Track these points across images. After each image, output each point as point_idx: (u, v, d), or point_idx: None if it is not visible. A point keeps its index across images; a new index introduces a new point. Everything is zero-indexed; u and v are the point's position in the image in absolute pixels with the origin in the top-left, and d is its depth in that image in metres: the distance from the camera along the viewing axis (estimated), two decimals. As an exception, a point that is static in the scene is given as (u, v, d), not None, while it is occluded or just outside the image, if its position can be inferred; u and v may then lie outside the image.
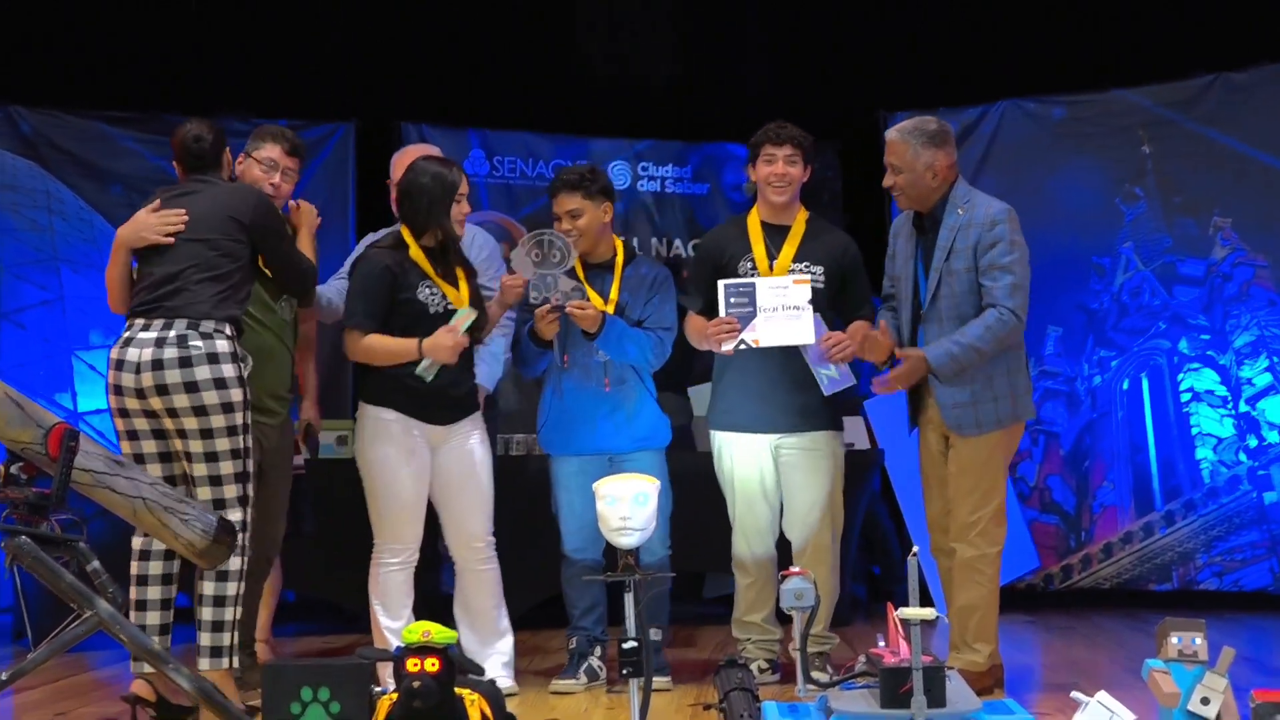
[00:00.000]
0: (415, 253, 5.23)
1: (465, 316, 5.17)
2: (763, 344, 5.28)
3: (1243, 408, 7.64)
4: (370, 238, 5.81)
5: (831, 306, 5.42)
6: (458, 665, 3.63)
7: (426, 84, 8.48)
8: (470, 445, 5.32)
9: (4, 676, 4.01)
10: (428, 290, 5.20)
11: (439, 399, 5.21)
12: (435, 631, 3.58)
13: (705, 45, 8.65)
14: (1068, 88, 8.09)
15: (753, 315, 5.26)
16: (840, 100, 8.47)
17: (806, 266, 5.43)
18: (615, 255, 5.54)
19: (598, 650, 5.50)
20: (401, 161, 5.88)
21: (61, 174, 7.96)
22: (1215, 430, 7.69)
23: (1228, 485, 7.64)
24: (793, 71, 8.57)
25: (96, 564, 4.07)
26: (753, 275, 5.42)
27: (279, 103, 8.33)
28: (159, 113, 8.09)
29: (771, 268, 5.43)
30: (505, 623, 5.41)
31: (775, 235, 5.50)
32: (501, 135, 8.72)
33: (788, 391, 5.41)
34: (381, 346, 5.16)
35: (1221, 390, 7.69)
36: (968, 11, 8.11)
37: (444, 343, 5.10)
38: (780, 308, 5.25)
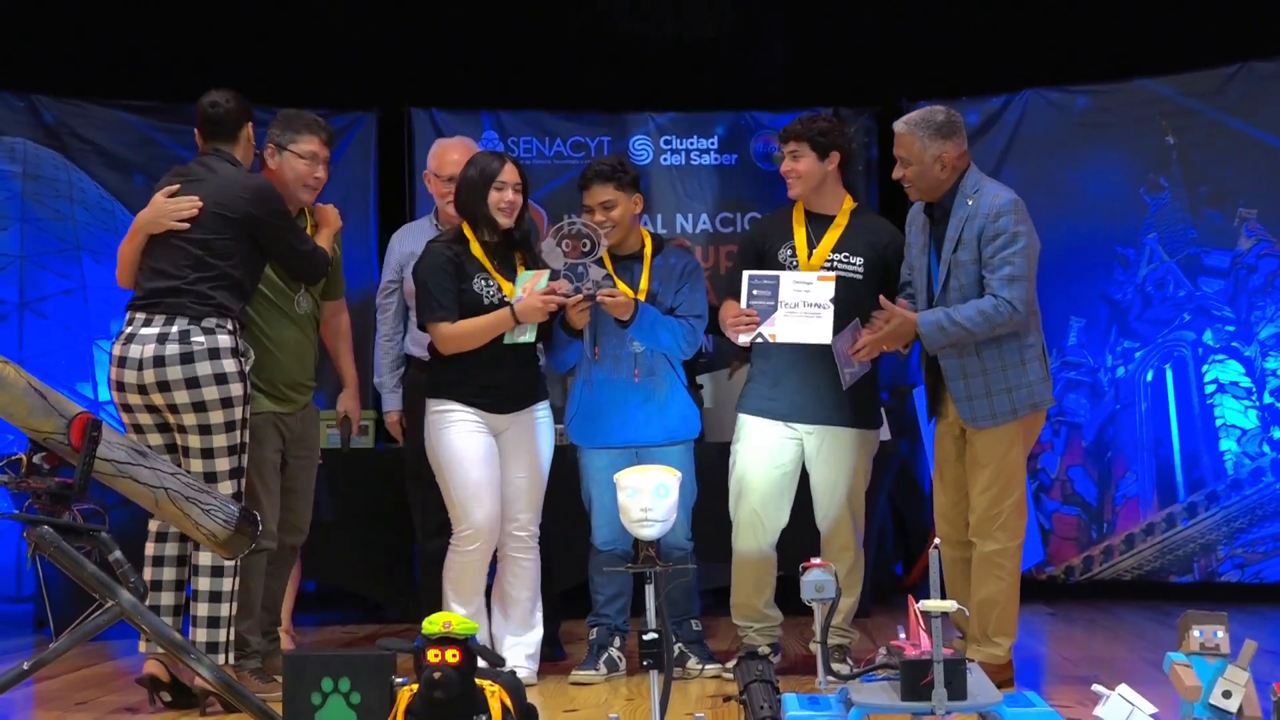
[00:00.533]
0: (474, 246, 5.31)
1: (535, 276, 5.22)
2: (779, 339, 5.26)
3: (1267, 399, 7.61)
4: (405, 230, 6.06)
5: (873, 296, 5.30)
6: (478, 656, 3.63)
7: (436, 68, 8.44)
8: (529, 435, 5.38)
9: (25, 666, 4.04)
10: (483, 282, 5.27)
11: (501, 388, 5.30)
12: (456, 623, 3.59)
13: (730, 11, 8.57)
14: (1091, 77, 8.05)
15: (774, 309, 5.24)
16: (861, 90, 8.45)
17: (846, 257, 5.40)
18: (644, 246, 5.55)
19: (617, 641, 5.50)
20: (437, 152, 5.93)
21: (84, 164, 7.99)
22: (1239, 422, 7.65)
23: (1251, 477, 7.61)
24: (816, 53, 8.51)
25: (118, 554, 4.09)
26: (792, 262, 5.41)
27: (292, 93, 8.32)
28: (181, 103, 8.10)
29: (810, 256, 5.41)
30: (538, 616, 5.44)
31: (818, 224, 5.47)
32: (515, 115, 8.64)
33: (823, 385, 5.38)
34: (475, 327, 5.23)
35: (1246, 382, 7.65)
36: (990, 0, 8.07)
37: (533, 304, 5.16)
38: (802, 304, 5.22)
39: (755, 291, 5.27)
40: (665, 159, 8.58)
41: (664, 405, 5.45)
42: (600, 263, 5.30)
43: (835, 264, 5.37)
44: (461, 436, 5.28)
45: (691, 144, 8.65)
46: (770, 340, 5.27)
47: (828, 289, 5.21)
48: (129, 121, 8.09)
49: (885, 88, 8.31)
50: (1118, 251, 7.93)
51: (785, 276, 5.28)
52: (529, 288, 5.20)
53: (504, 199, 5.27)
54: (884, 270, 5.42)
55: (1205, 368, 7.73)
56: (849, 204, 5.53)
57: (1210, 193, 7.78)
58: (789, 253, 5.45)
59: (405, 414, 6.00)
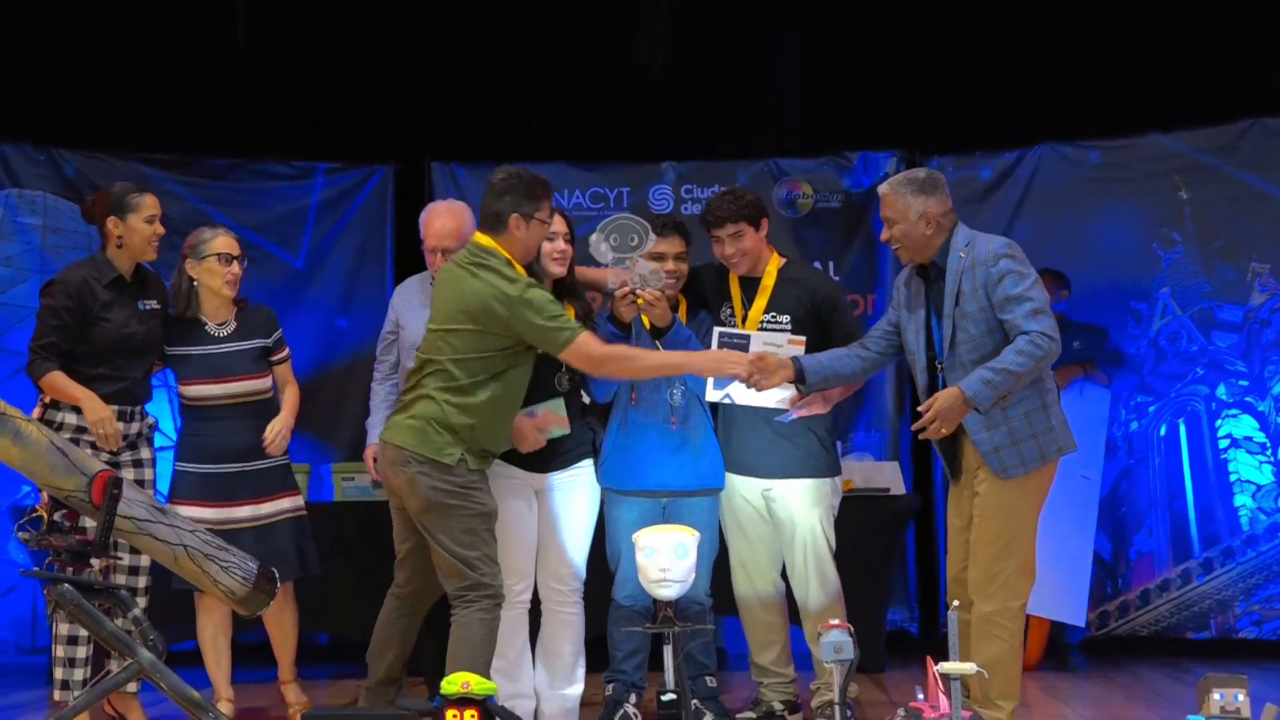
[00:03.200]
0: None
1: (553, 418, 5.24)
2: (742, 402, 5.30)
3: (1281, 454, 7.61)
4: (406, 284, 6.04)
5: (818, 347, 5.36)
6: (496, 717, 3.64)
7: (455, 122, 8.49)
8: (572, 492, 5.38)
9: (46, 723, 4.05)
10: None
11: (541, 451, 5.28)
12: (474, 683, 3.60)
13: (744, 64, 8.61)
14: (1104, 132, 8.09)
15: None
16: (879, 141, 8.49)
17: (774, 317, 5.47)
18: (679, 304, 5.56)
19: (633, 697, 5.48)
20: (427, 221, 5.89)
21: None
22: (1254, 477, 7.64)
23: (1267, 533, 7.58)
24: (835, 102, 8.54)
25: (138, 611, 4.10)
26: (730, 321, 5.49)
27: (311, 145, 8.41)
28: (200, 156, 8.18)
29: (744, 320, 5.49)
30: (580, 671, 5.44)
31: (749, 287, 5.55)
32: (535, 168, 8.62)
33: (777, 440, 5.45)
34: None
35: (1260, 437, 7.65)
36: (1004, 55, 8.11)
37: (524, 434, 5.17)
38: None
39: (725, 348, 5.29)
40: (686, 208, 8.49)
41: (699, 453, 5.45)
42: (649, 257, 5.27)
43: (765, 325, 5.44)
44: (499, 493, 5.17)
45: (712, 193, 8.51)
46: (736, 402, 5.30)
47: (797, 351, 5.24)
48: (147, 174, 8.11)
49: (902, 141, 8.35)
50: (1131, 306, 7.94)
51: (755, 337, 5.31)
52: (543, 424, 5.22)
53: (556, 249, 5.31)
54: (816, 321, 5.47)
55: (1219, 422, 7.73)
56: (775, 263, 5.57)
57: (1223, 247, 7.80)
58: (729, 312, 5.54)
59: None
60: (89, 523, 4.32)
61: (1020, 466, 4.96)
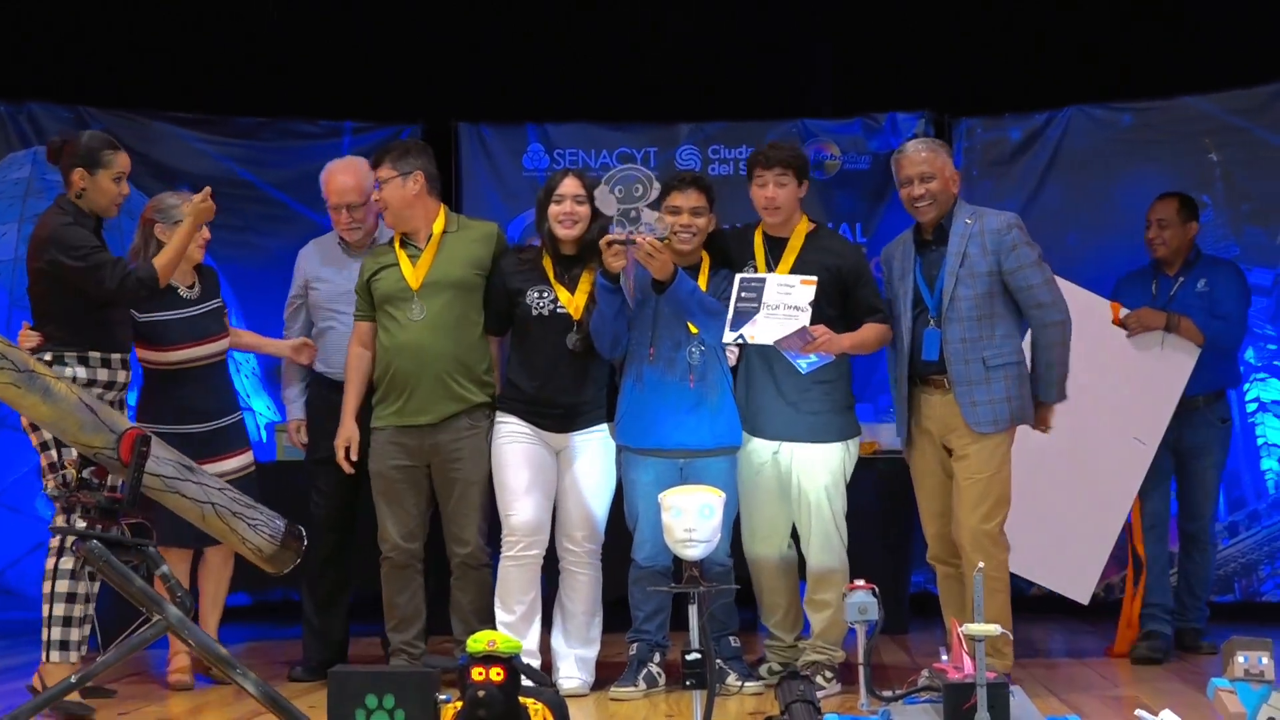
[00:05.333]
0: (544, 258, 5.49)
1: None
2: (758, 340, 5.27)
3: (1310, 418, 7.58)
4: (310, 246, 6.16)
5: (840, 317, 5.43)
6: (522, 674, 3.66)
7: (481, 81, 8.46)
8: (589, 453, 5.50)
9: (73, 679, 4.07)
10: (537, 294, 5.43)
11: (549, 406, 5.44)
12: (500, 641, 3.61)
13: (772, 25, 8.55)
14: (1135, 94, 8.03)
15: (756, 310, 5.26)
16: (908, 101, 8.45)
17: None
18: (701, 261, 5.55)
19: (657, 656, 5.52)
20: (327, 179, 5.90)
21: (131, 174, 8.02)
22: (1281, 441, 7.62)
23: (1293, 497, 7.58)
24: (865, 61, 8.47)
25: (166, 568, 4.13)
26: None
27: (338, 105, 8.39)
28: (227, 114, 8.18)
29: None
30: (595, 632, 5.57)
31: (776, 247, 5.55)
32: (561, 128, 8.63)
33: (788, 402, 5.46)
34: None
35: (1288, 401, 7.63)
36: (1034, 17, 8.04)
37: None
38: (782, 306, 5.24)
39: (744, 294, 5.29)
40: (713, 169, 8.47)
41: (716, 411, 5.44)
42: (654, 206, 5.35)
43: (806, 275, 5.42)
44: (507, 445, 5.45)
45: (740, 153, 8.39)
46: (750, 341, 5.29)
47: (808, 292, 5.23)
48: (175, 133, 8.15)
49: (930, 102, 8.32)
50: (1159, 269, 7.88)
51: (771, 278, 5.32)
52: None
53: (561, 211, 5.41)
54: (841, 288, 5.47)
55: (1247, 386, 7.68)
56: (804, 226, 5.58)
57: (1253, 210, 7.75)
58: (752, 268, 5.53)
59: (309, 428, 6.05)
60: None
61: (993, 424, 5.31)
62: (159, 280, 5.25)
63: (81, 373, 5.19)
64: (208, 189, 5.36)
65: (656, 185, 5.31)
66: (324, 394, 5.88)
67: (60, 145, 5.37)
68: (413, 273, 5.50)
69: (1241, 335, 6.64)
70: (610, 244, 5.18)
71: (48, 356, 5.12)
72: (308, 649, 5.93)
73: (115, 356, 5.30)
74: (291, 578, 5.31)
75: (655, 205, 5.51)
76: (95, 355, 5.23)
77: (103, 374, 5.24)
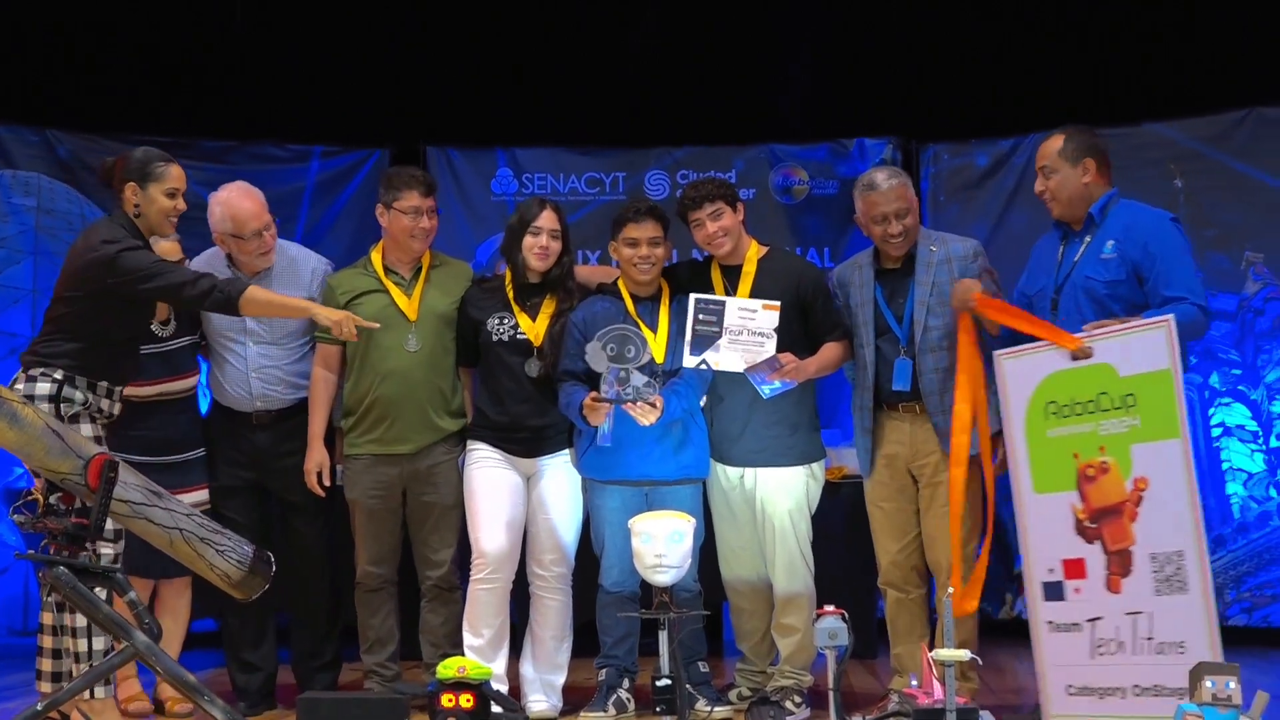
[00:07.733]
0: (507, 285, 5.54)
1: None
2: (722, 367, 5.30)
3: (1274, 443, 7.59)
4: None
5: (803, 336, 5.47)
6: (492, 700, 3.65)
7: (450, 106, 8.48)
8: (558, 478, 5.52)
9: (40, 707, 4.04)
10: (497, 320, 5.49)
11: (516, 431, 5.47)
12: (470, 667, 3.61)
13: (741, 50, 8.59)
14: (1099, 120, 8.03)
15: (718, 335, 5.28)
16: (876, 127, 8.49)
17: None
18: (661, 290, 5.58)
19: (626, 682, 5.51)
20: (228, 210, 5.69)
21: (98, 198, 8.00)
22: (1246, 465, 7.65)
23: (1258, 521, 7.59)
24: (827, 90, 8.53)
25: (134, 594, 4.10)
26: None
27: (305, 128, 8.38)
28: (195, 138, 8.15)
29: None
30: (564, 657, 5.58)
31: (731, 275, 5.57)
32: (530, 152, 8.64)
33: (752, 428, 5.48)
34: None
35: (1252, 425, 7.65)
36: (1001, 44, 8.10)
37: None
38: (746, 331, 5.27)
39: (701, 316, 5.31)
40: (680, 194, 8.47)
41: (681, 443, 5.45)
42: (644, 369, 5.25)
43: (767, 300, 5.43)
44: (478, 471, 5.49)
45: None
46: (715, 368, 5.30)
47: (772, 318, 5.27)
48: (142, 156, 8.10)
49: (897, 128, 8.37)
50: (1124, 294, 7.92)
51: (731, 302, 5.33)
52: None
53: (537, 244, 5.47)
54: (800, 307, 5.49)
55: (1211, 411, 7.73)
56: (755, 251, 5.60)
57: (1217, 236, 7.78)
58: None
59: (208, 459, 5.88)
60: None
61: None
62: (238, 308, 5.20)
63: (89, 398, 5.09)
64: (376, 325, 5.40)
65: (649, 350, 5.27)
66: (222, 422, 5.78)
67: (112, 164, 5.25)
68: (408, 304, 5.55)
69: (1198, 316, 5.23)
70: (591, 405, 5.21)
71: (59, 375, 5.01)
72: (235, 679, 5.86)
73: (118, 389, 5.24)
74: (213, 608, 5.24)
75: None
76: (103, 385, 5.14)
77: (104, 404, 5.18)
